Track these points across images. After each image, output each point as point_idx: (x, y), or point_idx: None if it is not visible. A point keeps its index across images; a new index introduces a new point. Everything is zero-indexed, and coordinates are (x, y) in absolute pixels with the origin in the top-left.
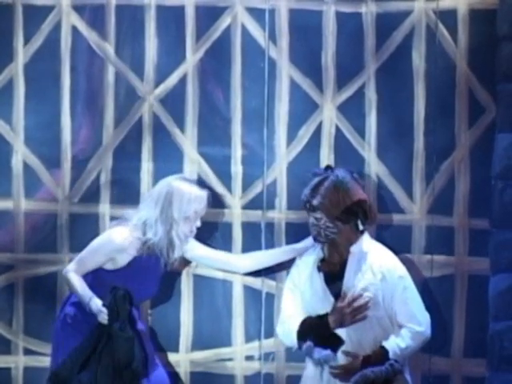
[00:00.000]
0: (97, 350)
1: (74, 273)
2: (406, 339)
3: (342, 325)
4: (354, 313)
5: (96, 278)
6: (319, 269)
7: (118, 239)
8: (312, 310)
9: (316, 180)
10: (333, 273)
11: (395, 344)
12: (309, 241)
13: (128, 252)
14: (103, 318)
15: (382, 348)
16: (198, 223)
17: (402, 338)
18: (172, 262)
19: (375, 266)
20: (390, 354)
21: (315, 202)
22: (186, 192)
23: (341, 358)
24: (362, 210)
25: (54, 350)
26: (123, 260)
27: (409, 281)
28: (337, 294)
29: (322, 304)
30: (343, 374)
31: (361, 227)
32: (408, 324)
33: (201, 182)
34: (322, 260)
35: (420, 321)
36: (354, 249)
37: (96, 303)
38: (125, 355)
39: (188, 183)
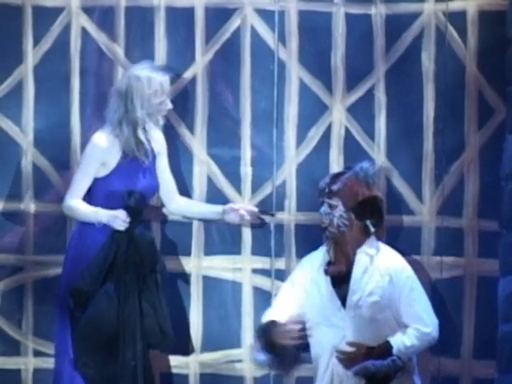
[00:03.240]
0: (117, 259)
1: (72, 199)
2: (411, 338)
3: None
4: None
5: (94, 191)
6: (326, 272)
7: (101, 142)
8: (321, 314)
9: (337, 171)
10: (340, 276)
11: (400, 341)
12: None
13: (114, 151)
14: (120, 224)
15: (387, 343)
16: (169, 105)
17: (407, 336)
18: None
19: (382, 267)
20: (394, 350)
21: (335, 187)
22: (145, 86)
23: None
24: (376, 209)
25: (69, 262)
26: (113, 161)
27: (416, 282)
28: (344, 297)
29: (330, 308)
30: (347, 361)
31: (372, 229)
32: (414, 325)
33: (167, 68)
34: (329, 263)
35: (426, 322)
36: (360, 250)
37: (106, 212)
38: (149, 259)
39: (148, 71)
